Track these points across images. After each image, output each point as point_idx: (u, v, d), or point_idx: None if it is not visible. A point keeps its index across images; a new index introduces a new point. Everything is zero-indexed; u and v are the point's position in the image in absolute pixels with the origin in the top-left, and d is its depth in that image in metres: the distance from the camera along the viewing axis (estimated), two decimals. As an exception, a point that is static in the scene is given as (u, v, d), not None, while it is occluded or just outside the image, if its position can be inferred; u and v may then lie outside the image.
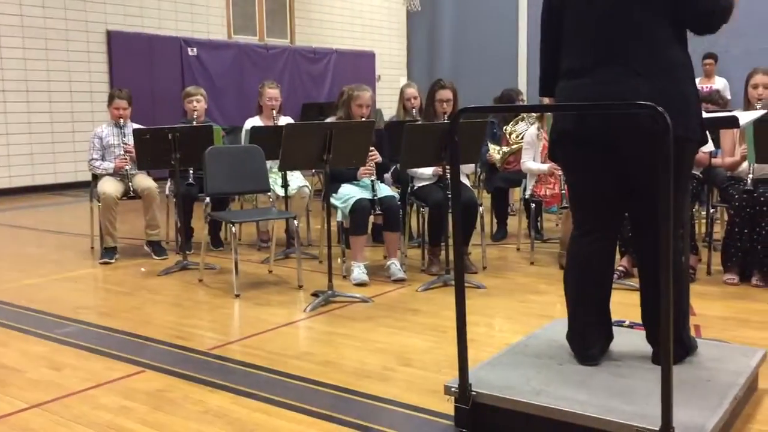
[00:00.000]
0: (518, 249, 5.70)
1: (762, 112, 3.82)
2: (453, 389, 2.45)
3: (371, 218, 4.91)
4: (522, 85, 10.29)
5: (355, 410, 2.72)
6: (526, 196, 5.39)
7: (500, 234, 6.12)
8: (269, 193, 5.29)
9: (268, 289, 4.63)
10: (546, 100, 2.82)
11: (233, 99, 11.02)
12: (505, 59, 11.18)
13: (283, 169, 4.56)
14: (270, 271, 5.06)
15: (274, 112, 5.77)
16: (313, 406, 2.75)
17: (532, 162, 5.26)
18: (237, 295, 4.41)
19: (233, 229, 4.60)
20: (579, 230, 2.73)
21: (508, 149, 6.13)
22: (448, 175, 4.52)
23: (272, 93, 5.81)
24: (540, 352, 2.79)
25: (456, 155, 2.51)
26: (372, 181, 4.80)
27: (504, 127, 6.34)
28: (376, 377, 3.05)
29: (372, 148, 4.78)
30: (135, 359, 3.31)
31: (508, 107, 6.72)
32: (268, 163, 4.96)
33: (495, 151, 6.16)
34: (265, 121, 5.80)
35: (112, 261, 5.38)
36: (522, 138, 5.67)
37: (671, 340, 2.02)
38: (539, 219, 5.94)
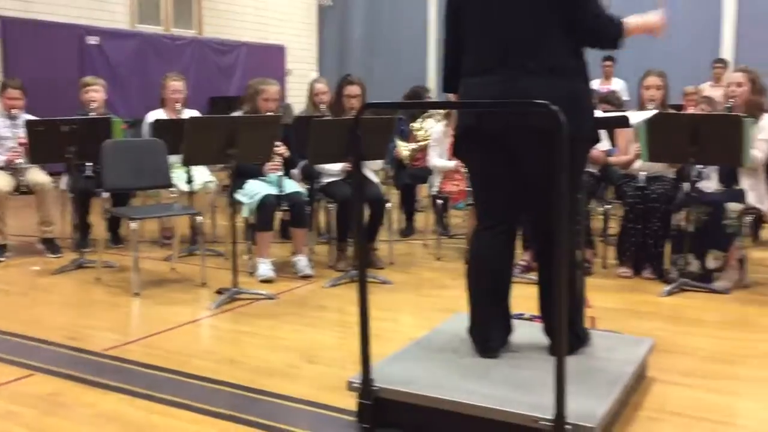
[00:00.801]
0: (425, 245, 5.76)
1: (652, 112, 4.00)
2: (355, 385, 2.45)
3: (278, 214, 4.85)
4: (431, 82, 10.41)
5: (258, 409, 2.67)
6: (433, 193, 5.46)
7: (408, 230, 6.17)
8: (173, 189, 5.13)
9: (170, 287, 4.50)
10: (451, 97, 2.85)
11: (137, 91, 10.63)
12: (415, 56, 11.29)
13: (187, 164, 4.43)
14: (173, 269, 4.92)
15: (178, 105, 5.61)
16: (213, 405, 2.69)
17: (439, 159, 5.32)
18: (137, 294, 4.26)
19: (133, 225, 4.44)
20: (480, 225, 2.78)
21: (417, 146, 6.19)
22: (356, 171, 4.51)
23: (175, 85, 5.63)
24: (442, 346, 2.82)
25: (358, 151, 2.50)
26: (279, 176, 4.74)
27: (412, 124, 6.40)
28: (280, 375, 3.02)
29: (279, 143, 4.72)
30: (25, 362, 3.15)
31: (412, 104, 6.78)
32: (172, 158, 4.81)
33: (403, 148, 6.21)
34: (169, 114, 5.62)
35: (3, 259, 5.10)
36: (430, 135, 5.73)
37: (564, 332, 2.09)
38: (446, 215, 6.03)
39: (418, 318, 3.90)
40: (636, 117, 3.43)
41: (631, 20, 2.66)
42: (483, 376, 2.51)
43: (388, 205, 4.90)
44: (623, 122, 3.35)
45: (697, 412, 2.64)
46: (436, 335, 2.98)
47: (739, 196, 4.34)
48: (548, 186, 2.34)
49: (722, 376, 2.99)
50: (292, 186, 4.80)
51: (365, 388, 2.42)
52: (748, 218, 4.41)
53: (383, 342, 3.16)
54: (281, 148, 4.79)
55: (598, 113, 3.45)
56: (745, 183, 4.38)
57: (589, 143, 2.73)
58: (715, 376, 2.97)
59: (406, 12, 11.64)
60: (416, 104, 6.78)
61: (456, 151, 2.88)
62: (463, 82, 2.72)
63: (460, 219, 6.61)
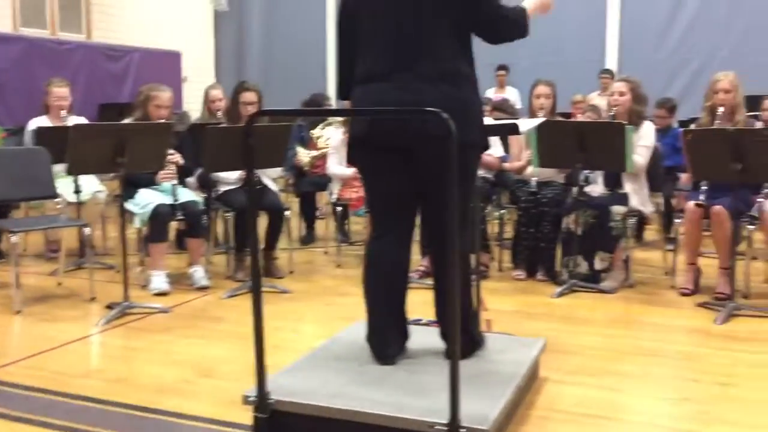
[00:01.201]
0: (326, 252, 5.74)
1: (541, 120, 4.14)
2: (251, 399, 2.39)
3: (173, 224, 4.70)
4: (331, 89, 10.40)
5: (150, 429, 2.57)
6: (333, 200, 5.44)
7: (308, 238, 6.13)
8: (58, 200, 4.87)
9: (56, 303, 4.27)
10: (348, 105, 2.85)
11: (21, 97, 10.05)
12: (314, 64, 11.25)
13: (72, 173, 4.22)
14: (59, 284, 4.67)
15: (63, 112, 5.34)
16: (104, 428, 2.56)
17: (337, 166, 5.31)
18: (18, 312, 4.02)
19: (14, 239, 4.19)
20: (376, 232, 2.79)
21: (317, 153, 6.16)
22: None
23: (59, 92, 5.36)
24: (340, 354, 2.81)
25: (250, 159, 2.45)
26: (173, 185, 4.59)
27: (312, 131, 6.36)
28: (173, 392, 2.91)
29: (173, 151, 4.58)
30: None
31: (306, 111, 6.74)
32: (57, 167, 4.58)
33: (303, 155, 6.16)
34: (53, 121, 5.35)
35: None
36: (330, 142, 5.72)
37: (458, 337, 2.11)
38: (346, 222, 6.02)
39: (319, 327, 3.87)
40: (525, 124, 3.55)
41: (527, 4, 2.73)
42: (380, 384, 2.51)
43: (286, 213, 4.84)
44: (513, 129, 3.47)
45: (586, 408, 2.74)
46: (333, 344, 2.96)
47: (623, 200, 4.55)
48: (441, 192, 2.37)
49: (609, 373, 3.11)
50: (186, 195, 4.66)
51: (261, 402, 2.36)
52: (632, 220, 4.63)
53: (284, 353, 3.11)
54: (174, 156, 4.64)
55: (490, 121, 3.54)
56: (628, 187, 4.60)
57: (480, 150, 2.78)
58: (602, 374, 3.10)
59: (304, 18, 11.59)
60: (309, 112, 6.75)
61: (350, 159, 2.88)
62: (356, 89, 2.72)
63: (360, 226, 6.62)
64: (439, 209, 2.59)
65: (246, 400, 2.41)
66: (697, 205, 4.24)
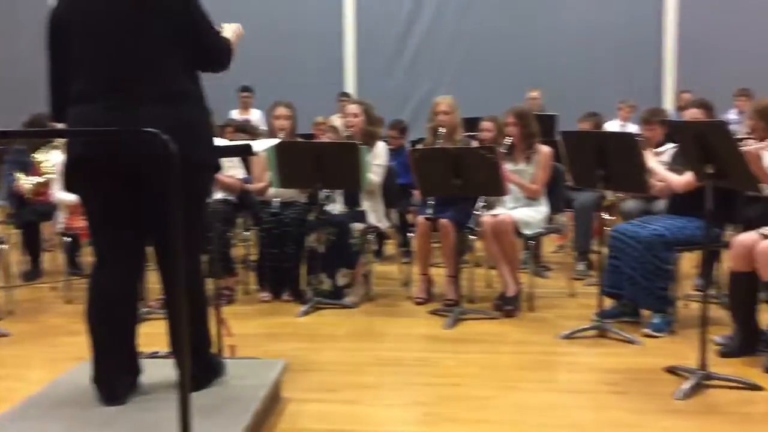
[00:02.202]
0: (54, 288, 5.23)
1: (276, 141, 4.18)
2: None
3: None
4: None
5: None
6: (60, 230, 4.99)
7: (33, 273, 5.55)
8: None
9: None
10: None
11: None
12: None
13: None
14: None
15: None
16: None
17: (63, 192, 4.87)
18: None
19: None
20: (98, 262, 2.59)
21: (41, 179, 5.61)
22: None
23: None
24: (62, 399, 2.56)
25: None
26: None
27: (34, 155, 5.78)
28: None
29: None
30: None
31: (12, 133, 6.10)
32: None
33: (24, 182, 5.57)
34: None
35: None
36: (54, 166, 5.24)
37: (186, 367, 2.03)
38: (77, 253, 5.55)
39: (48, 371, 3.46)
40: (260, 145, 3.54)
41: (228, 35, 2.72)
42: (108, 426, 2.33)
43: (4, 246, 4.34)
44: (248, 150, 3.43)
45: (327, 424, 2.79)
46: (54, 389, 2.69)
47: (362, 217, 4.75)
48: (166, 216, 2.27)
49: (349, 386, 3.20)
50: None
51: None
52: (371, 236, 4.85)
53: (9, 405, 2.75)
54: None
55: (223, 141, 3.49)
56: (365, 205, 4.82)
57: (211, 171, 2.72)
58: (343, 388, 3.18)
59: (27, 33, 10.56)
60: (16, 134, 6.11)
61: (68, 185, 2.65)
62: (70, 109, 2.52)
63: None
64: (167, 236, 2.48)
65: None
66: (426, 218, 4.56)
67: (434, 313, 4.38)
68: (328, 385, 3.21)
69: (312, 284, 4.62)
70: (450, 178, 4.12)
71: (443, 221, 4.49)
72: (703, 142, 3.10)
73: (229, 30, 2.75)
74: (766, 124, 4.37)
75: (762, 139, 3.73)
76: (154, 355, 3.15)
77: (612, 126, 8.08)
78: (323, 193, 4.72)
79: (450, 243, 4.47)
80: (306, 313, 4.40)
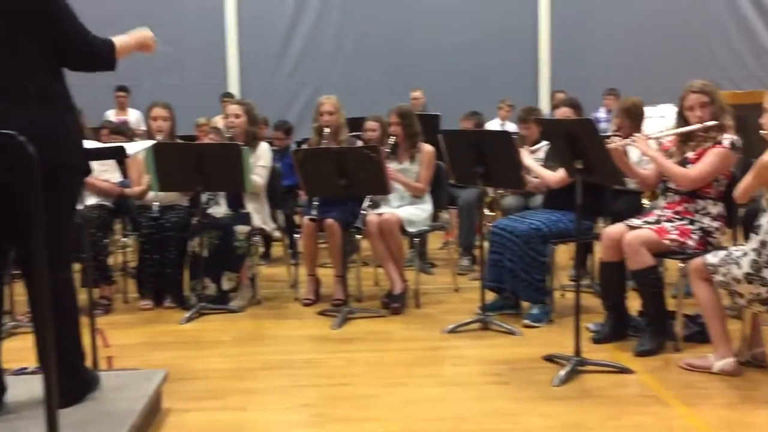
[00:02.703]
0: None
1: (151, 142, 4.03)
2: None
3: None
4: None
5: None
6: None
7: None
8: None
9: None
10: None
11: None
12: None
13: None
14: None
15: None
16: None
17: None
18: None
19: None
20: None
21: None
22: None
23: None
24: None
25: None
26: None
27: None
28: None
29: None
30: None
31: None
32: None
33: None
34: None
35: None
36: None
37: (54, 382, 1.91)
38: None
39: None
40: (134, 147, 3.41)
41: (122, 39, 2.61)
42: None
43: None
44: (120, 153, 3.28)
45: (211, 433, 2.71)
46: None
47: (246, 219, 4.66)
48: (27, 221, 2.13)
49: (235, 392, 3.13)
50: None
51: None
52: (256, 239, 4.77)
53: None
54: None
55: (94, 144, 3.32)
56: (250, 207, 4.72)
57: (79, 175, 2.59)
58: (228, 395, 3.10)
59: None
60: None
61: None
62: None
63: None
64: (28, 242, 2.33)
65: None
66: (312, 219, 4.53)
67: (322, 313, 4.36)
68: (213, 392, 3.13)
69: (195, 290, 4.50)
70: (335, 178, 4.12)
71: (329, 221, 4.48)
72: (572, 140, 3.25)
73: (135, 33, 2.64)
74: (631, 122, 4.67)
75: (627, 136, 3.96)
76: (21, 372, 2.97)
77: (492, 125, 8.36)
78: (205, 196, 4.61)
79: (336, 243, 4.46)
80: (189, 319, 4.27)
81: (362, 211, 4.45)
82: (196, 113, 8.01)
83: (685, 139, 3.62)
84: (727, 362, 3.14)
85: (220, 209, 4.75)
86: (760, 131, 3.04)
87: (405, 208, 4.66)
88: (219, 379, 3.30)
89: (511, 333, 3.86)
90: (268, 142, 5.42)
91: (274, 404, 3.02)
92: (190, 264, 4.56)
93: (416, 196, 4.73)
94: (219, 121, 8.11)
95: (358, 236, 4.64)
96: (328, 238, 4.55)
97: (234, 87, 10.00)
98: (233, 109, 4.88)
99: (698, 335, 3.54)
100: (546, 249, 4.04)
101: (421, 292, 4.63)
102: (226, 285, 4.52)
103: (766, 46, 10.54)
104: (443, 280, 5.14)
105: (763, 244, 2.93)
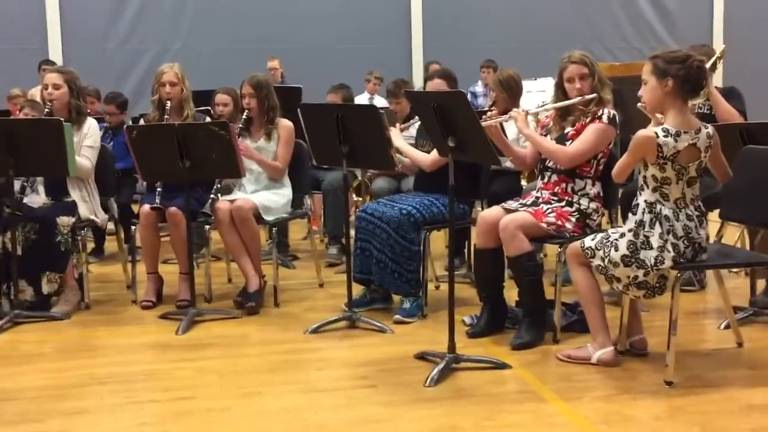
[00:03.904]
0: None
1: None
2: None
3: None
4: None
5: None
6: None
7: None
8: None
9: None
10: None
11: None
12: None
13: None
14: None
15: None
16: None
17: None
18: None
19: None
20: None
21: None
22: None
23: None
24: None
25: None
26: None
27: None
28: None
29: None
30: None
31: None
32: None
33: None
34: None
35: None
36: None
37: None
38: None
39: None
40: None
41: None
42: None
43: None
44: None
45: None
46: None
47: (71, 209, 4.43)
48: None
49: (58, 414, 2.99)
50: None
51: None
52: (84, 232, 4.56)
53: None
54: None
55: None
56: (75, 194, 4.50)
57: None
58: (49, 417, 2.96)
59: None
60: None
61: None
62: None
63: None
64: None
65: None
66: (152, 208, 4.38)
67: (165, 317, 4.25)
68: (30, 415, 2.97)
69: (7, 294, 4.25)
70: (177, 160, 4.02)
71: (172, 210, 4.36)
72: (443, 114, 3.31)
73: None
74: (508, 95, 4.86)
75: (504, 112, 4.11)
76: None
77: (360, 100, 8.44)
78: (19, 182, 4.35)
79: (181, 235, 4.34)
80: (1, 329, 4.03)
81: (211, 197, 4.36)
82: (8, 84, 7.60)
83: (563, 114, 3.80)
84: (605, 352, 3.34)
85: (37, 198, 4.53)
86: (638, 104, 3.23)
87: (261, 194, 4.61)
88: (37, 400, 3.13)
89: (380, 331, 3.91)
90: (98, 118, 5.22)
91: (106, 425, 2.90)
92: (0, 264, 4.30)
93: (274, 179, 4.69)
94: (36, 94, 7.70)
95: (206, 227, 4.54)
96: (171, 229, 4.43)
97: (56, 54, 9.50)
98: (52, 78, 4.62)
99: (577, 324, 3.73)
100: (418, 236, 4.12)
101: (281, 288, 4.60)
102: (46, 288, 4.30)
103: (645, 15, 11.28)
104: (306, 275, 5.14)
105: (639, 224, 3.13)
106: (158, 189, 4.44)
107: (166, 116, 4.62)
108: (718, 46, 5.67)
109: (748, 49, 10.56)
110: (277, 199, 4.64)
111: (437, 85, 4.52)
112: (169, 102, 4.64)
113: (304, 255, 5.67)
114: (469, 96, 8.80)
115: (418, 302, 4.15)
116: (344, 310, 4.08)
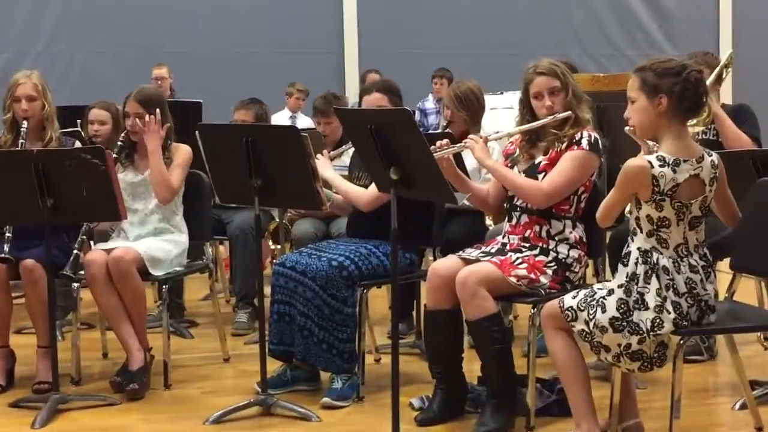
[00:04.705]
0: None
1: None
2: None
3: None
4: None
5: None
6: None
7: None
8: None
9: None
10: None
11: None
12: None
13: None
14: None
15: None
16: None
17: None
18: None
19: None
20: None
21: None
22: None
23: None
24: None
25: None
26: None
27: None
28: None
29: None
30: None
31: None
32: None
33: None
34: None
35: None
36: None
37: None
38: None
39: None
40: None
41: None
42: None
43: None
44: None
45: None
46: None
47: None
48: None
49: None
50: None
51: None
52: None
53: None
54: None
55: None
56: None
57: None
58: None
59: None
60: None
61: None
62: None
63: None
64: None
65: None
66: (1, 260, 4.30)
67: (18, 405, 4.16)
68: None
69: None
70: (36, 197, 3.95)
71: (28, 263, 4.28)
72: (383, 138, 3.34)
73: None
74: (466, 114, 4.91)
75: (463, 134, 4.15)
76: None
77: (279, 118, 8.46)
78: None
79: (40, 296, 4.26)
80: None
81: (74, 250, 4.30)
82: None
83: (533, 139, 3.85)
84: (591, 440, 3.35)
85: None
86: (625, 129, 3.28)
87: (147, 241, 4.56)
88: None
89: (304, 419, 3.89)
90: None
91: None
92: None
93: (165, 220, 4.63)
94: None
95: (75, 284, 4.46)
96: (26, 288, 4.35)
97: None
98: None
99: (556, 406, 3.76)
100: (353, 295, 4.12)
101: (173, 364, 4.55)
102: None
103: (637, 15, 11.57)
104: (208, 346, 5.09)
105: (632, 277, 3.17)
106: (7, 235, 4.35)
107: (21, 140, 4.56)
108: (725, 52, 5.82)
109: (762, 57, 10.87)
110: (168, 247, 4.59)
111: (376, 100, 4.57)
112: (25, 122, 4.59)
113: (205, 321, 5.61)
114: (417, 114, 8.92)
115: (352, 381, 4.13)
116: (257, 393, 4.04)
